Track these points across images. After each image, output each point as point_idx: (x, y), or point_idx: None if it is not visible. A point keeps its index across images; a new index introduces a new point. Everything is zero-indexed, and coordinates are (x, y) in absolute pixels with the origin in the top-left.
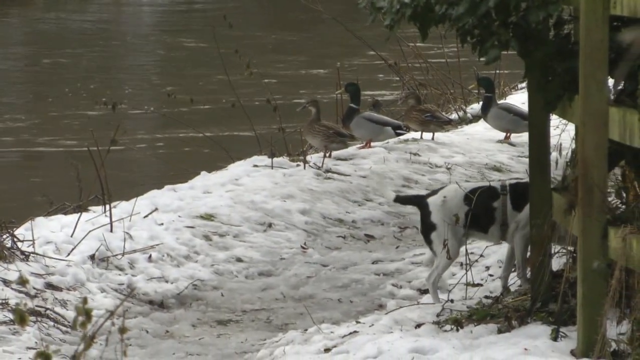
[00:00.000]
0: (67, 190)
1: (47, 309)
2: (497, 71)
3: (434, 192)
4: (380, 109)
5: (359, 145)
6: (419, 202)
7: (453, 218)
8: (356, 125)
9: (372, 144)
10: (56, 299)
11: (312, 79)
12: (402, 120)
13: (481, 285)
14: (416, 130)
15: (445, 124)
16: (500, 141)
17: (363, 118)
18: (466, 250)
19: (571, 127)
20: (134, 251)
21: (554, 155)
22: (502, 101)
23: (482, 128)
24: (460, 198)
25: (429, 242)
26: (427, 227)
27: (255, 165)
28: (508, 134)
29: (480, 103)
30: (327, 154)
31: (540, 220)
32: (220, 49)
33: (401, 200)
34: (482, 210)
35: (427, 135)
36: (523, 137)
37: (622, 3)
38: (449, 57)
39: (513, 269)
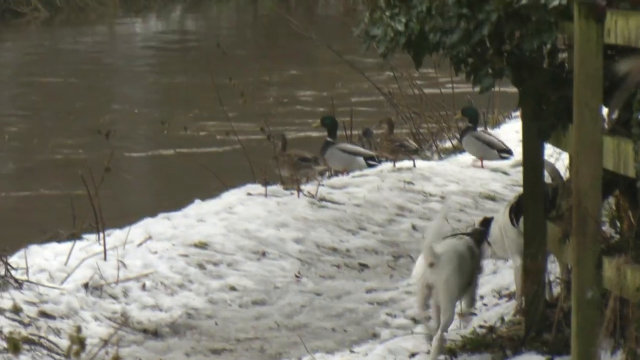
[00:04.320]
0: (61, 212)
1: (41, 337)
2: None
3: None
4: (371, 137)
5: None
6: None
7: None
8: (330, 156)
9: (365, 171)
10: (50, 327)
11: (308, 107)
12: (376, 149)
13: (475, 314)
14: (389, 159)
15: (413, 153)
16: (474, 165)
17: (337, 149)
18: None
19: (565, 156)
20: (128, 279)
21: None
22: (480, 129)
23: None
24: None
25: None
26: None
27: (249, 194)
28: (481, 160)
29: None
30: (320, 182)
31: (534, 249)
32: (214, 78)
33: None
34: None
35: (422, 164)
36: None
37: (616, 32)
38: (443, 86)
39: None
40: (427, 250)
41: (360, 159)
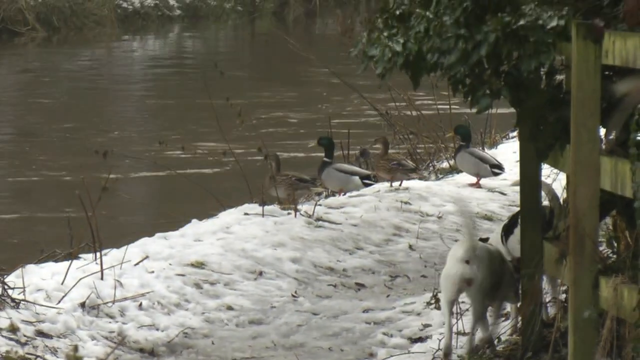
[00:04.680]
0: (58, 232)
1: (38, 356)
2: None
3: None
4: (368, 157)
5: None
6: None
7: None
8: (326, 176)
9: (362, 191)
10: (47, 346)
11: (303, 128)
12: (373, 169)
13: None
14: (385, 179)
15: (411, 172)
16: (470, 185)
17: (333, 169)
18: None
19: (562, 177)
20: (125, 299)
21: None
22: (477, 148)
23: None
24: None
25: None
26: None
27: (246, 214)
28: (478, 178)
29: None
30: (317, 202)
31: (532, 269)
32: (211, 99)
33: None
34: None
35: (419, 184)
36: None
37: (614, 52)
38: (440, 106)
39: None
40: (469, 246)
41: (357, 179)
